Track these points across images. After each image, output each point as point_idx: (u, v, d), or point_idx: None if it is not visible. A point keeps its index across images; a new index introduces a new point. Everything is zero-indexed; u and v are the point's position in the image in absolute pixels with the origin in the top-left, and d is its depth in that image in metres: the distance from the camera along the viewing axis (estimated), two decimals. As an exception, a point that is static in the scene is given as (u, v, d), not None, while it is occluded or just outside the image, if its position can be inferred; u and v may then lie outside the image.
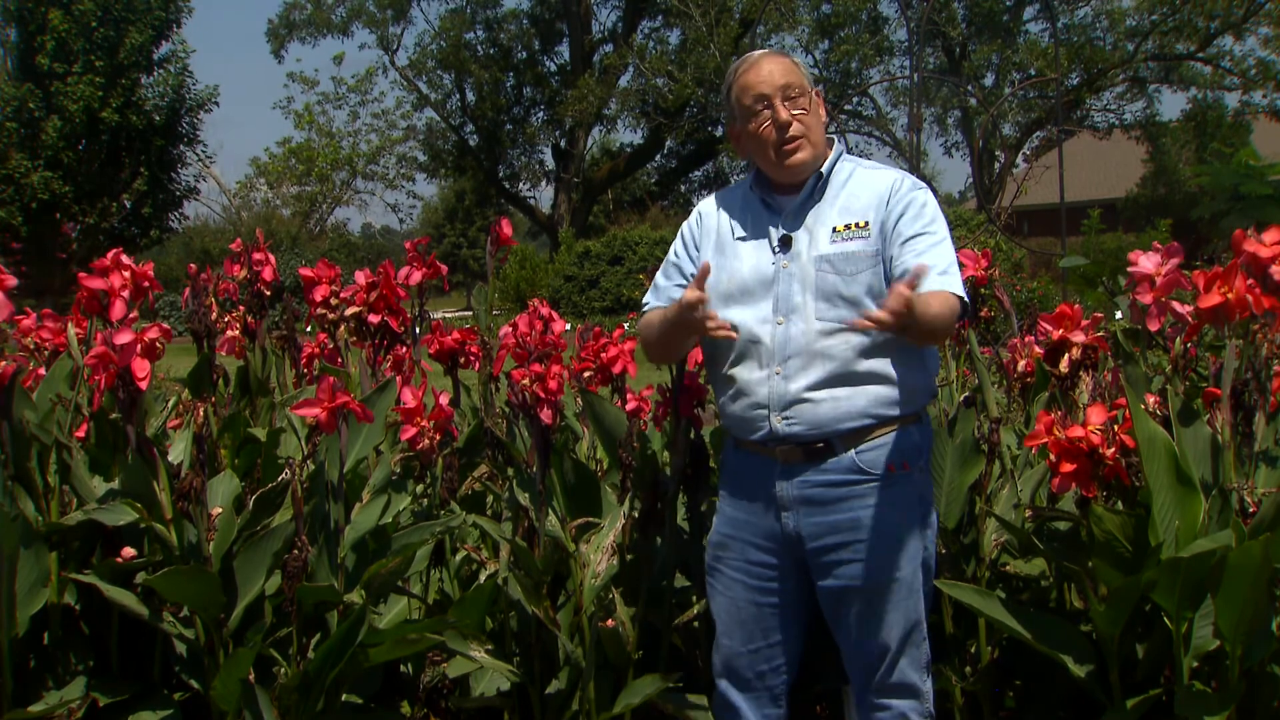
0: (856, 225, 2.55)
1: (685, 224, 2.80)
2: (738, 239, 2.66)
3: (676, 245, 2.77)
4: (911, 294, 2.24)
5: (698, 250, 2.72)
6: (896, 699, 2.57)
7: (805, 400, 2.50)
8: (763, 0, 21.66)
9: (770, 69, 2.60)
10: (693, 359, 3.01)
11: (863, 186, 2.60)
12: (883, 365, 2.51)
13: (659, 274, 2.78)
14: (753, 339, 2.55)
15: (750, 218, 2.66)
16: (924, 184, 2.61)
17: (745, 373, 2.57)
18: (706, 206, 2.77)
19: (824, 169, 2.62)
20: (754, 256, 2.61)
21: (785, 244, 2.58)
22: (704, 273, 2.45)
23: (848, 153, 2.70)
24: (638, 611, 2.95)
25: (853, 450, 2.52)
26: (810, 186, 2.61)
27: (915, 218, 2.53)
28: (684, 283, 2.69)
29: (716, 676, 2.72)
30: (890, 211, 2.54)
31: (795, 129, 2.58)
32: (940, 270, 2.48)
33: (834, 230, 2.55)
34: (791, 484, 2.56)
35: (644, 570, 2.96)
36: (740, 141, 2.68)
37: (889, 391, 2.51)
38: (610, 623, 2.90)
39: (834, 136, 2.71)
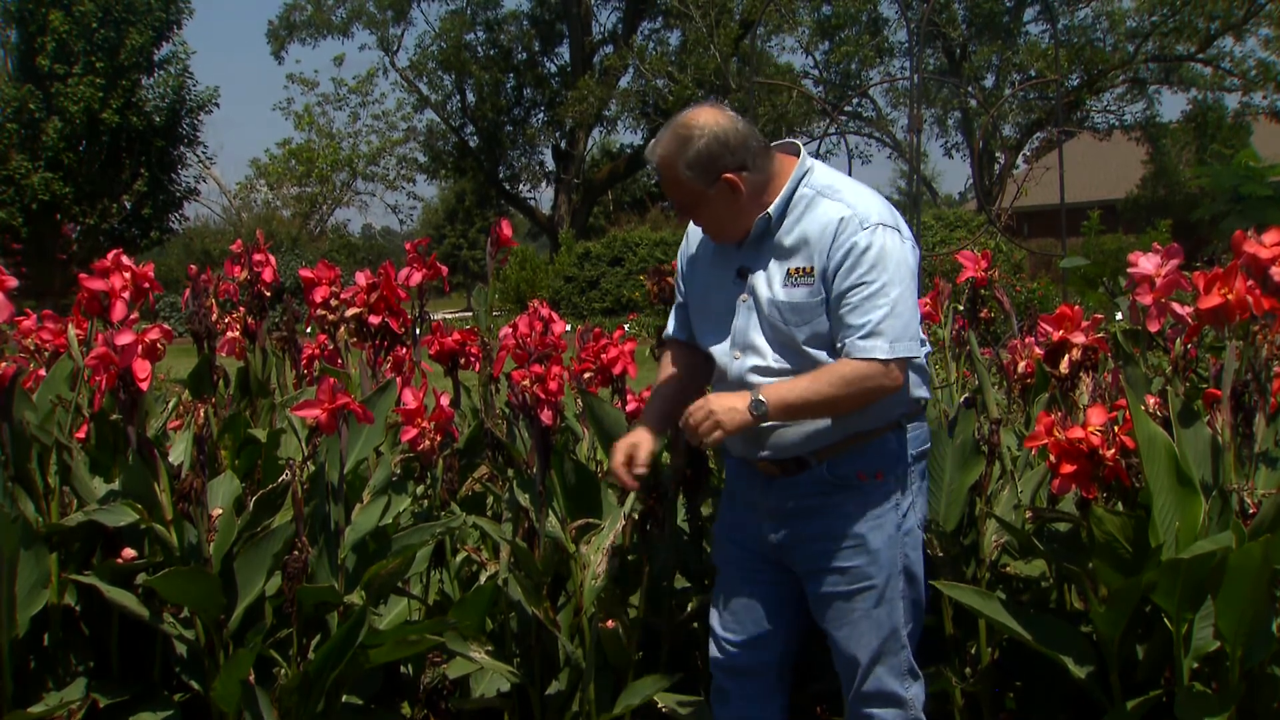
0: (803, 271, 2.45)
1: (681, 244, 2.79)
2: (710, 265, 2.63)
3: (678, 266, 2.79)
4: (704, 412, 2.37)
5: (685, 270, 2.72)
6: (877, 708, 2.56)
7: (767, 428, 2.50)
8: (763, 1, 21.65)
9: (659, 176, 2.56)
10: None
11: (814, 223, 2.46)
12: None
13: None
14: (720, 366, 2.58)
15: (720, 245, 2.61)
16: (873, 222, 2.42)
17: None
18: (693, 225, 2.68)
19: (772, 210, 2.49)
20: (719, 285, 2.58)
21: (743, 276, 2.54)
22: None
23: (819, 172, 2.53)
24: (638, 613, 2.95)
25: (825, 463, 2.52)
26: (761, 227, 2.51)
27: (851, 268, 2.39)
28: (684, 304, 2.72)
29: (711, 665, 2.74)
30: (830, 259, 2.42)
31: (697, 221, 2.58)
32: (862, 333, 2.38)
33: (788, 274, 2.47)
34: (770, 495, 2.58)
35: (644, 571, 2.96)
36: None
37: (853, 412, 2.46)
38: (610, 624, 2.90)
39: (809, 151, 2.55)
